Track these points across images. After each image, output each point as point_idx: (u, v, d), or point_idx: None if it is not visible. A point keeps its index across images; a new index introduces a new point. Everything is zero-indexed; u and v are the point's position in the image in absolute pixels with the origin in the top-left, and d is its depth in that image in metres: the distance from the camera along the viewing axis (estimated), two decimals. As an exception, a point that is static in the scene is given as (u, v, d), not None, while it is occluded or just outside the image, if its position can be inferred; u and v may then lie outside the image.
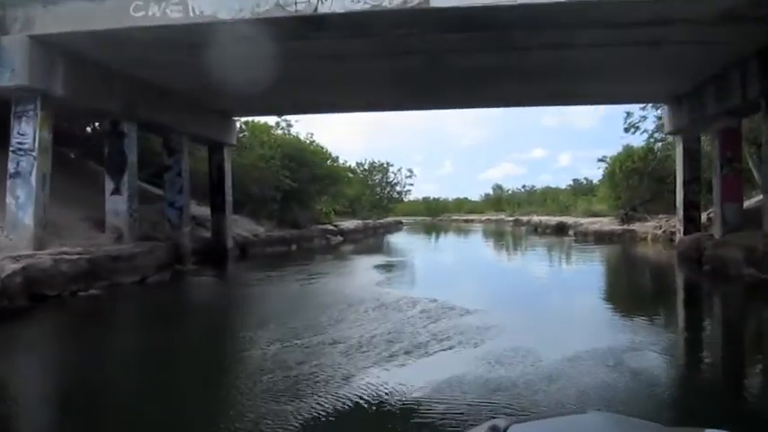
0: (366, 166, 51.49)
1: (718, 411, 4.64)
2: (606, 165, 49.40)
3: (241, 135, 24.24)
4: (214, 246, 18.76)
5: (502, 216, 67.82)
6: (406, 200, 57.95)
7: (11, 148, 11.42)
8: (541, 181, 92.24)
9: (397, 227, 52.72)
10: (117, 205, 13.82)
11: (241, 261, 19.36)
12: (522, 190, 79.22)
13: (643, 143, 27.58)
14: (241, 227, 21.71)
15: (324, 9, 9.65)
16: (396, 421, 4.61)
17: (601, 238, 26.74)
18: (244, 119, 24.49)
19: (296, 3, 9.71)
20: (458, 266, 18.78)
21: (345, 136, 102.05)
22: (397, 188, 54.21)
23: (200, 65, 11.38)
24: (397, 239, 37.96)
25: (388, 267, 16.26)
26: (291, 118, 28.60)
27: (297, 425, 4.35)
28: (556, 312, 9.49)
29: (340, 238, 30.44)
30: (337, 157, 27.62)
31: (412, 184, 54.79)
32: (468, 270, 16.99)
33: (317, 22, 10.11)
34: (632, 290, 13.06)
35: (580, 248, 24.37)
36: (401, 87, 15.33)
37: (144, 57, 12.03)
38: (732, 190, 14.51)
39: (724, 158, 14.54)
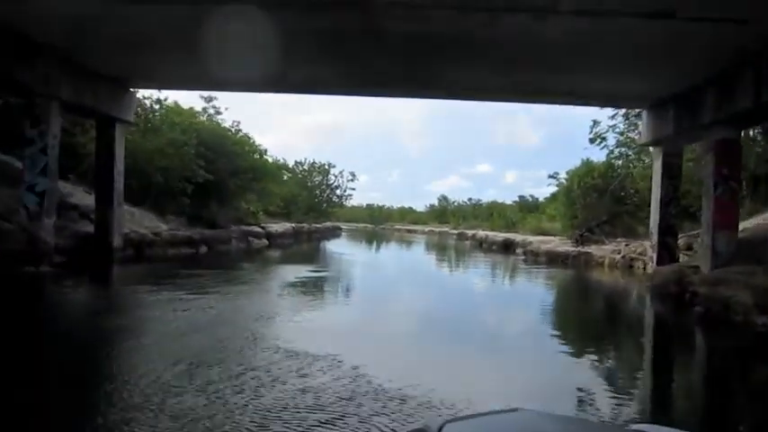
0: (306, 166, 48.01)
1: None
2: (557, 181, 47.91)
3: (153, 115, 20.61)
4: (96, 244, 15.15)
5: (446, 228, 65.50)
6: (347, 205, 54.59)
7: None
8: (487, 196, 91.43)
9: (334, 233, 49.48)
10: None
11: (130, 264, 15.77)
12: (468, 203, 77.75)
13: (607, 157, 25.32)
14: (139, 222, 18.08)
15: None
16: None
17: (553, 259, 24.19)
18: (158, 96, 20.89)
19: None
20: (391, 289, 15.71)
21: (293, 139, 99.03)
22: (338, 192, 50.83)
23: (78, 15, 8.13)
24: (332, 247, 34.72)
25: (304, 286, 13.05)
26: (222, 104, 25.18)
27: None
28: (499, 374, 6.39)
29: (265, 242, 27.02)
30: (266, 150, 24.31)
31: (353, 189, 51.61)
32: (402, 296, 13.78)
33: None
34: (602, 341, 9.00)
35: (530, 271, 21.71)
36: (326, 59, 12.19)
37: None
38: (727, 214, 11.96)
39: (719, 176, 11.96)
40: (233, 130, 23.57)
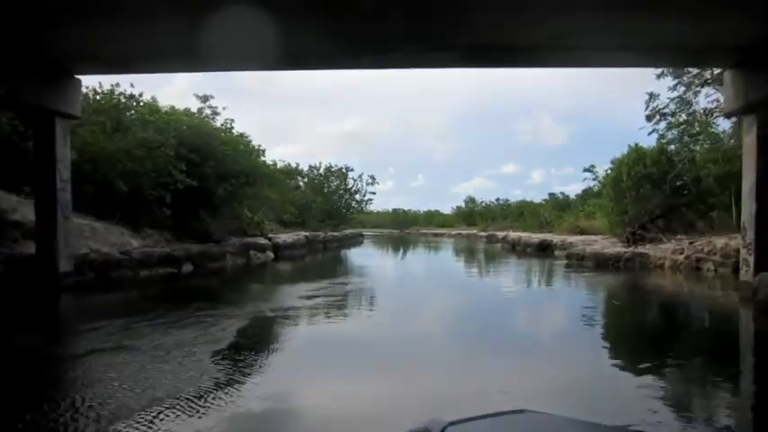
0: (321, 171, 44.87)
1: None
2: (593, 175, 44.13)
3: (125, 113, 17.59)
4: (37, 269, 12.12)
5: (474, 230, 61.94)
6: (366, 210, 51.28)
7: None
8: (514, 196, 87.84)
9: (355, 240, 46.22)
10: None
11: (83, 293, 12.67)
12: (496, 203, 74.06)
13: (658, 141, 21.63)
14: (103, 239, 15.05)
15: None
16: None
17: (602, 263, 20.57)
18: (131, 91, 17.85)
19: None
20: (417, 309, 12.38)
21: (318, 147, 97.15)
22: (357, 196, 47.55)
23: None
24: (350, 257, 31.52)
25: (307, 317, 9.84)
26: (219, 104, 22.12)
27: None
28: None
29: (270, 256, 23.85)
30: (264, 151, 21.11)
31: (374, 193, 48.15)
32: (431, 323, 10.38)
33: None
34: (720, 393, 5.79)
35: (579, 278, 18.19)
36: (313, 22, 8.97)
37: None
38: None
39: None
40: (225, 128, 20.41)
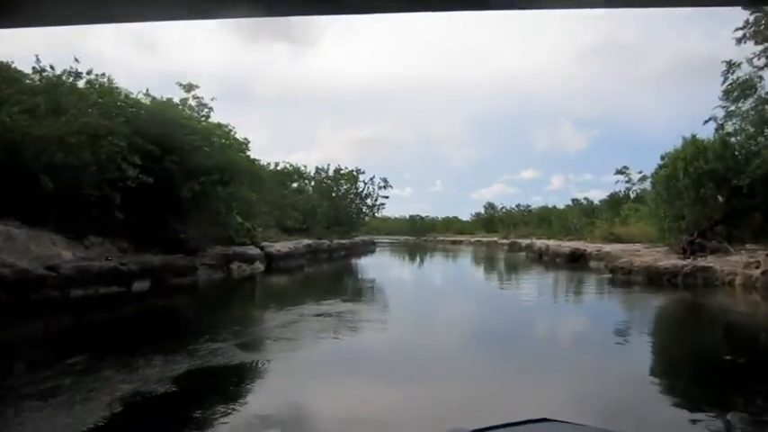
0: (330, 173, 41.50)
1: None
2: (626, 177, 40.33)
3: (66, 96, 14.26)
4: None
5: (494, 238, 58.19)
6: (379, 215, 47.79)
7: None
8: (533, 202, 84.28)
9: (366, 249, 42.66)
10: None
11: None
12: (517, 210, 70.21)
13: (716, 132, 17.88)
14: (22, 250, 11.74)
15: None
16: None
17: (655, 278, 16.92)
18: (77, 68, 14.52)
19: None
20: (429, 346, 8.82)
21: (334, 154, 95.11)
22: (368, 201, 44.03)
23: None
24: (357, 268, 28.17)
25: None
26: (205, 94, 18.87)
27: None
28: None
29: (259, 267, 20.48)
30: (248, 143, 17.51)
31: (386, 197, 44.62)
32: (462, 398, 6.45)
33: None
34: None
35: (638, 299, 14.58)
36: None
37: None
38: None
39: None
40: (199, 116, 17.02)
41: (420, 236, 79.79)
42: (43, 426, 4.69)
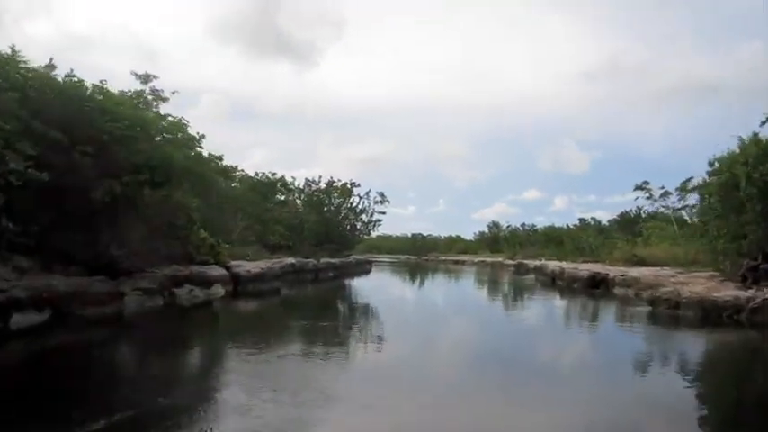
0: (322, 185, 37.88)
1: None
2: (647, 193, 36.69)
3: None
4: None
5: (499, 258, 54.41)
6: (374, 232, 44.00)
7: None
8: (538, 222, 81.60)
9: (360, 269, 38.86)
10: None
11: None
12: (522, 229, 66.49)
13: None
14: None
15: None
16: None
17: (710, 312, 13.20)
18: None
19: None
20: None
21: (339, 171, 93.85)
22: (363, 217, 40.30)
23: None
24: (344, 293, 24.40)
25: None
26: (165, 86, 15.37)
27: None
28: None
29: (220, 292, 16.84)
30: (201, 137, 13.96)
31: (383, 213, 40.87)
32: None
33: None
34: None
35: (699, 346, 10.86)
36: None
37: None
38: None
39: None
40: (134, 100, 13.41)
41: (421, 255, 76.15)
42: None
